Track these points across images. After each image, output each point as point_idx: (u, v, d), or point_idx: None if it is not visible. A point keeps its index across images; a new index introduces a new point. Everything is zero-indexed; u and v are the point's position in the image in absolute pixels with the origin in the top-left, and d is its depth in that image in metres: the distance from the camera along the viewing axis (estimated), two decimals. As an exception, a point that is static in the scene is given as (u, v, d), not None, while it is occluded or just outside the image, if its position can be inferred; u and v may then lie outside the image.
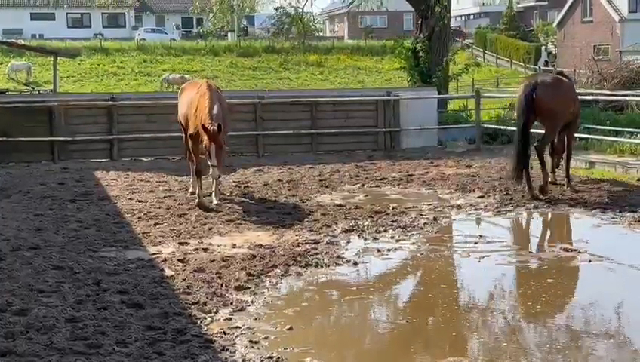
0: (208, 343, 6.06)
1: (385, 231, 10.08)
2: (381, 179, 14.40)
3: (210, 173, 11.40)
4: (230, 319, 6.67)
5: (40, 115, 17.57)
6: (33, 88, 39.34)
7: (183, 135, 12.88)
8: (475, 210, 11.53)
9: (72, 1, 61.87)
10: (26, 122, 17.28)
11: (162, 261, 8.50)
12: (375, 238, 9.70)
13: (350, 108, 19.32)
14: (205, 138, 11.25)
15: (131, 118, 18.08)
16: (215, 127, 11.09)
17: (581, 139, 17.30)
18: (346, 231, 10.04)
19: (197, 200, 11.75)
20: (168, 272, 8.04)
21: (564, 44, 61.09)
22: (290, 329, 6.48)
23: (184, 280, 7.70)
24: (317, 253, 8.85)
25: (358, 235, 9.85)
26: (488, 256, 8.80)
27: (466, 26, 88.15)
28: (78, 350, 5.82)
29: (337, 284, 7.96)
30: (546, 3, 78.26)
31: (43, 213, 11.29)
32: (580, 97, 19.79)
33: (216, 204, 11.58)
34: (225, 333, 6.28)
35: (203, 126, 11.21)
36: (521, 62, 62.46)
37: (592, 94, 20.94)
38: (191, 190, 12.78)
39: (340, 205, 11.83)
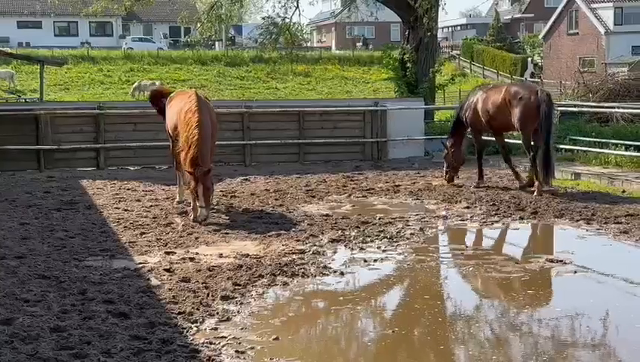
0: (194, 353, 6.04)
1: (371, 241, 10.09)
2: (368, 190, 14.42)
3: (198, 214, 11.14)
4: (216, 329, 6.65)
5: (26, 123, 17.50)
6: (19, 96, 39.18)
7: (171, 145, 12.82)
8: (462, 220, 11.56)
9: (59, 10, 61.60)
10: (11, 130, 17.22)
11: (148, 270, 8.47)
12: (362, 248, 9.70)
13: (337, 118, 19.35)
14: (192, 178, 11.10)
15: (118, 127, 18.05)
16: (203, 171, 10.99)
17: (567, 150, 17.41)
18: (332, 241, 10.04)
19: (192, 216, 11.35)
20: (154, 282, 8.01)
21: (550, 56, 61.54)
22: (277, 339, 6.47)
23: (170, 289, 7.68)
24: (303, 263, 8.85)
25: (345, 245, 9.86)
26: (474, 266, 8.82)
27: (453, 37, 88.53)
28: (63, 360, 5.80)
29: (324, 294, 7.96)
30: (533, 15, 78.80)
31: (28, 221, 11.23)
32: (565, 109, 20.16)
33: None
34: (211, 343, 6.26)
35: (190, 170, 11.07)
36: (507, 74, 62.74)
37: (577, 106, 21.07)
38: (177, 199, 12.75)
39: (327, 215, 11.84)
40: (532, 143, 13.48)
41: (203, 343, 6.25)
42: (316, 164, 18.52)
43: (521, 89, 13.93)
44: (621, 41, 54.27)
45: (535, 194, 13.19)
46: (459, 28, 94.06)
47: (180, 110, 11.94)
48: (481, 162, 14.81)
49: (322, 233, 10.49)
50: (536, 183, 13.40)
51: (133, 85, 46.94)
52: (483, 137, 15.08)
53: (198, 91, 12.85)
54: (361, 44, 74.45)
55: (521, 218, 11.59)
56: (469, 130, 14.89)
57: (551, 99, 13.58)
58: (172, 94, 13.21)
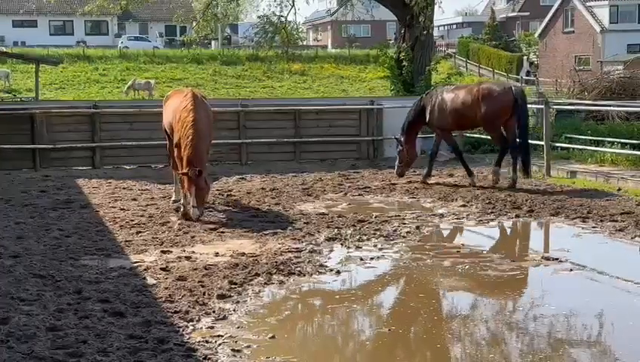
0: (190, 352, 6.04)
1: (368, 239, 10.09)
2: (364, 188, 14.43)
3: (192, 213, 11.16)
4: (212, 327, 6.65)
5: (21, 122, 17.48)
6: (15, 96, 39.13)
7: (167, 143, 12.82)
8: (458, 218, 11.57)
9: (54, 9, 61.57)
10: (7, 130, 17.20)
11: (144, 269, 8.46)
12: (358, 247, 9.71)
13: (333, 116, 19.36)
14: (186, 178, 11.12)
15: (114, 126, 18.04)
16: (196, 172, 10.98)
17: (562, 148, 17.44)
18: (328, 239, 10.05)
19: (182, 211, 11.51)
20: (150, 281, 8.01)
21: (546, 55, 61.64)
22: (273, 337, 6.47)
23: (166, 288, 7.67)
24: (300, 262, 8.85)
25: (341, 244, 9.86)
26: (470, 264, 8.83)
27: (448, 35, 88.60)
28: (59, 359, 5.79)
29: (320, 293, 7.96)
30: (528, 13, 78.96)
31: (24, 221, 11.22)
32: (561, 107, 20.23)
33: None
34: (207, 342, 6.26)
35: (184, 171, 11.11)
36: (503, 72, 62.85)
37: (573, 104, 21.10)
38: (173, 198, 12.74)
39: (323, 214, 11.84)
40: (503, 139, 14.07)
41: (199, 342, 6.25)
42: (312, 162, 18.52)
43: (496, 87, 14.52)
44: (616, 39, 54.41)
45: (508, 185, 13.79)
46: (455, 26, 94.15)
47: (175, 109, 11.93)
48: (464, 160, 14.91)
49: (318, 231, 10.49)
50: (513, 175, 13.95)
51: (127, 84, 46.91)
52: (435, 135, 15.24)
53: (194, 90, 12.84)
54: (357, 42, 74.41)
55: (517, 216, 11.60)
56: (437, 130, 15.00)
57: (524, 94, 14.11)
58: (169, 93, 13.25)
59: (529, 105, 22.78)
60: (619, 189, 13.52)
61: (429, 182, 14.68)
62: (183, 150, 11.31)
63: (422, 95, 15.39)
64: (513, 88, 14.57)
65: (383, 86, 40.19)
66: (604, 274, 8.75)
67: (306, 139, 18.90)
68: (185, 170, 11.09)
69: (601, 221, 11.00)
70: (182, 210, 11.50)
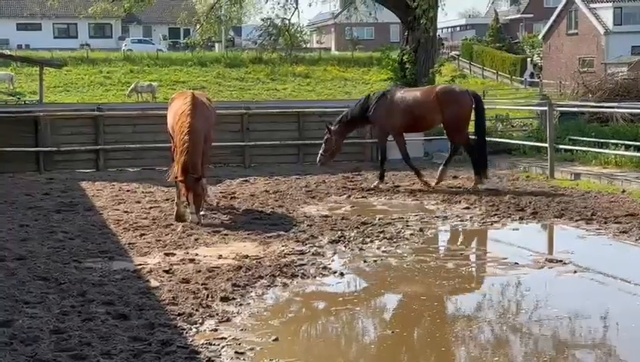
0: (194, 354, 6.04)
1: (371, 242, 10.08)
2: (367, 190, 14.42)
3: (190, 219, 11.19)
4: (216, 330, 6.65)
5: (25, 125, 17.52)
6: (19, 99, 39.23)
7: (172, 145, 12.83)
8: (461, 221, 11.56)
9: (58, 12, 61.68)
10: (11, 132, 17.24)
11: (148, 272, 8.46)
12: (361, 249, 9.70)
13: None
14: (183, 185, 11.16)
15: (117, 129, 18.07)
16: (193, 179, 11.06)
17: (566, 150, 17.41)
18: (332, 242, 10.04)
19: (175, 211, 11.60)
20: (154, 283, 8.01)
21: (550, 56, 61.56)
22: (276, 340, 6.47)
23: (170, 291, 7.67)
24: (303, 264, 8.85)
25: (345, 246, 9.86)
26: (474, 267, 8.82)
27: (452, 37, 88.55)
28: (63, 361, 5.79)
29: (323, 295, 7.96)
30: (532, 15, 78.84)
31: (28, 223, 11.24)
32: (565, 109, 20.22)
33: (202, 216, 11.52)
34: (211, 344, 6.26)
35: (180, 178, 11.14)
36: (507, 74, 62.80)
37: (577, 106, 21.07)
38: (177, 200, 12.73)
39: (327, 216, 11.84)
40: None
41: (203, 344, 6.25)
42: (316, 164, 18.48)
43: (453, 89, 14.92)
44: (620, 41, 54.29)
45: (472, 186, 14.18)
46: (458, 28, 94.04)
47: (175, 112, 12.01)
48: (411, 163, 14.97)
49: (322, 234, 10.49)
50: (475, 177, 14.33)
51: (130, 87, 46.98)
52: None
53: (196, 92, 12.84)
54: (360, 45, 74.39)
55: (521, 218, 11.58)
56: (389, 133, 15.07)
57: (481, 98, 14.77)
58: (174, 95, 13.31)
59: (533, 108, 22.83)
60: (623, 191, 13.49)
61: (381, 186, 14.60)
62: (178, 155, 11.37)
63: (369, 94, 15.39)
64: (469, 90, 15.17)
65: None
66: (609, 276, 8.73)
67: (310, 141, 18.86)
68: (181, 177, 11.11)
69: (605, 223, 10.98)
70: (175, 210, 11.59)
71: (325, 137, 15.05)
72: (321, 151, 15.08)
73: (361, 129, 16.46)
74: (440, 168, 14.62)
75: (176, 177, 11.33)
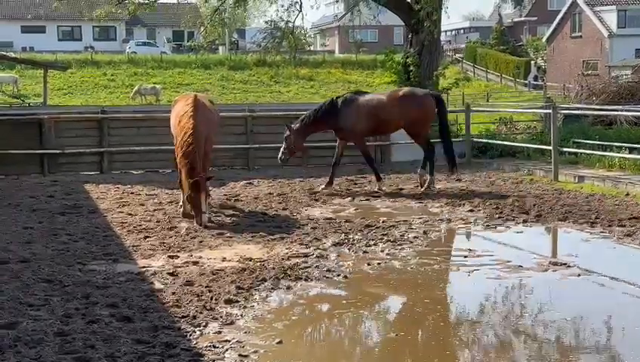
0: (197, 357, 6.04)
1: (375, 244, 10.08)
2: (371, 193, 14.42)
3: (204, 219, 11.17)
4: (220, 333, 6.65)
5: (30, 127, 17.54)
6: (23, 101, 39.29)
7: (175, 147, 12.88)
8: (465, 223, 11.56)
9: (62, 15, 61.81)
10: (15, 135, 17.26)
11: (152, 274, 8.47)
12: (365, 252, 9.70)
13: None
14: (194, 187, 11.19)
15: (122, 131, 18.08)
16: (204, 178, 11.25)
17: (570, 153, 17.40)
18: (336, 244, 10.05)
19: (182, 210, 11.88)
20: (158, 286, 8.02)
21: (554, 59, 61.52)
22: (280, 342, 6.47)
23: (174, 293, 7.68)
24: (307, 267, 8.85)
25: (349, 249, 9.86)
26: (478, 270, 8.81)
27: (456, 40, 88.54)
28: (67, 364, 5.80)
29: (327, 298, 7.95)
30: (536, 18, 78.82)
31: (32, 225, 11.25)
32: (569, 112, 20.22)
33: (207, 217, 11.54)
34: (214, 347, 6.26)
35: (196, 179, 11.18)
36: (510, 77, 62.79)
37: (581, 109, 21.06)
38: (181, 203, 12.76)
39: (331, 218, 11.85)
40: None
41: (206, 347, 6.25)
42: (319, 167, 18.49)
43: (417, 92, 15.08)
44: (624, 43, 54.25)
45: (424, 188, 14.37)
46: (462, 31, 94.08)
47: (177, 114, 12.14)
48: (374, 166, 15.13)
49: (326, 236, 10.49)
50: (429, 178, 14.55)
51: (134, 89, 47.06)
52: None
53: (199, 95, 12.92)
54: (363, 48, 74.42)
55: (525, 221, 11.57)
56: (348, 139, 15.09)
57: (443, 100, 15.05)
58: (177, 97, 13.41)
59: (537, 110, 22.81)
60: (627, 194, 13.48)
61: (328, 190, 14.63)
62: (183, 157, 11.41)
63: (332, 98, 15.42)
64: (431, 92, 15.47)
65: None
66: (613, 279, 8.71)
67: (314, 144, 18.85)
68: (196, 177, 11.14)
69: (610, 226, 10.96)
70: (182, 209, 11.83)
71: (285, 135, 15.06)
72: (282, 150, 15.08)
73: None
74: (419, 171, 14.79)
75: (191, 179, 11.30)
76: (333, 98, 15.40)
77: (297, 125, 14.92)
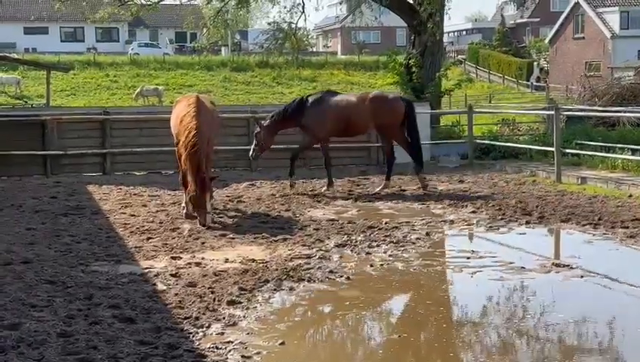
0: (200, 358, 6.04)
1: (378, 246, 10.08)
2: (374, 194, 14.41)
3: (205, 219, 11.19)
4: (222, 334, 6.65)
5: (32, 128, 17.56)
6: (26, 102, 39.33)
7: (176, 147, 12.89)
8: (468, 225, 11.55)
9: (65, 16, 61.91)
10: (18, 136, 17.28)
11: (154, 275, 8.47)
12: (368, 253, 9.70)
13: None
14: (197, 185, 11.22)
15: (124, 132, 18.10)
16: (209, 177, 11.36)
17: (573, 155, 17.39)
18: (338, 245, 10.04)
19: (184, 211, 11.93)
20: (160, 287, 8.02)
21: (556, 61, 61.48)
22: (283, 344, 6.47)
23: (176, 294, 7.68)
24: (310, 268, 8.85)
25: (351, 250, 9.85)
26: (480, 271, 8.80)
27: (458, 41, 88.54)
28: (70, 365, 5.80)
29: (330, 299, 7.95)
30: (538, 19, 78.78)
31: (35, 227, 11.26)
32: (572, 113, 20.21)
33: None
34: (217, 348, 6.26)
35: (203, 177, 11.22)
36: (513, 78, 62.77)
37: (583, 110, 21.04)
38: (183, 204, 12.77)
39: (333, 220, 11.84)
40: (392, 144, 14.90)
41: (209, 348, 6.25)
42: (322, 168, 18.47)
43: (387, 96, 15.27)
44: (627, 45, 54.22)
45: (380, 188, 14.61)
46: (464, 32, 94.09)
47: (178, 114, 12.21)
48: (330, 169, 15.05)
49: (328, 238, 10.49)
50: (385, 182, 14.78)
51: (136, 90, 47.10)
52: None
53: (200, 95, 12.96)
54: (366, 49, 74.46)
55: (528, 222, 11.56)
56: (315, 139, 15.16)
57: (412, 104, 15.09)
58: (178, 98, 13.44)
59: (540, 112, 22.81)
60: (630, 196, 13.46)
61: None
62: (187, 157, 11.43)
63: (302, 96, 15.50)
64: (402, 96, 15.75)
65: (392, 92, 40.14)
66: (615, 280, 8.69)
67: (316, 145, 18.83)
68: (202, 176, 11.19)
69: (612, 227, 10.95)
70: (185, 210, 11.90)
71: (255, 131, 15.11)
72: (252, 146, 15.11)
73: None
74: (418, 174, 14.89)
75: (198, 178, 11.32)
76: (303, 96, 15.47)
77: (267, 122, 14.94)
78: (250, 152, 15.13)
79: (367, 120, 14.52)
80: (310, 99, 14.94)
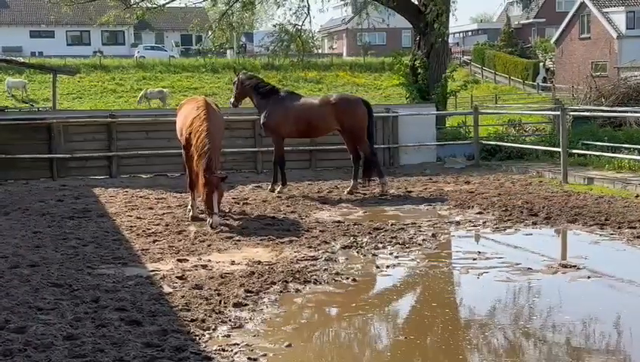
0: (207, 360, 6.04)
1: (384, 247, 10.07)
2: (380, 196, 14.40)
3: (212, 221, 11.22)
4: (229, 336, 6.65)
5: (39, 132, 17.60)
6: (32, 105, 39.42)
7: (183, 151, 12.89)
8: (474, 226, 11.53)
9: (71, 20, 62.06)
10: (24, 139, 17.32)
11: (161, 278, 8.48)
12: (374, 255, 9.69)
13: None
14: (208, 186, 11.23)
15: (130, 135, 18.12)
16: (220, 178, 11.37)
17: (579, 155, 17.35)
18: (344, 247, 10.04)
19: (190, 213, 12.10)
20: (167, 289, 8.02)
21: (562, 61, 61.37)
22: (289, 346, 6.47)
23: (183, 297, 7.69)
24: (316, 270, 8.84)
25: (357, 252, 9.85)
26: (487, 272, 8.79)
27: (464, 42, 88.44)
28: (76, 367, 5.80)
29: (336, 301, 7.94)
30: (544, 20, 78.67)
31: (42, 230, 11.28)
32: (578, 113, 20.16)
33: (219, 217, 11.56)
34: (223, 350, 6.26)
35: (206, 178, 11.24)
36: (519, 79, 62.66)
37: (590, 110, 21.00)
38: (189, 206, 12.78)
39: (339, 221, 11.84)
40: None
41: (216, 350, 6.25)
42: (328, 170, 18.52)
43: (348, 98, 15.37)
44: (633, 45, 54.01)
45: (347, 191, 14.70)
46: (470, 33, 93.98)
47: (187, 115, 12.31)
48: (278, 169, 15.01)
49: (334, 239, 10.48)
50: (353, 183, 14.82)
51: (140, 93, 47.17)
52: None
53: (207, 99, 13.03)
54: (371, 50, 74.51)
55: (534, 223, 11.54)
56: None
57: (371, 106, 15.08)
58: (183, 101, 13.50)
59: (546, 112, 22.76)
60: (637, 196, 13.42)
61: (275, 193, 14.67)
62: (199, 158, 11.48)
63: (274, 86, 15.62)
64: (361, 98, 15.65)
65: (398, 94, 40.17)
66: (623, 281, 8.68)
67: (322, 146, 18.88)
68: (206, 177, 11.22)
69: (619, 228, 10.92)
70: (190, 213, 12.13)
71: (234, 80, 15.57)
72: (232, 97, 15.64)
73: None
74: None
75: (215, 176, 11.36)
76: (274, 86, 15.56)
77: (247, 82, 15.15)
78: (231, 100, 15.75)
79: (329, 123, 14.56)
80: (279, 95, 15.04)
